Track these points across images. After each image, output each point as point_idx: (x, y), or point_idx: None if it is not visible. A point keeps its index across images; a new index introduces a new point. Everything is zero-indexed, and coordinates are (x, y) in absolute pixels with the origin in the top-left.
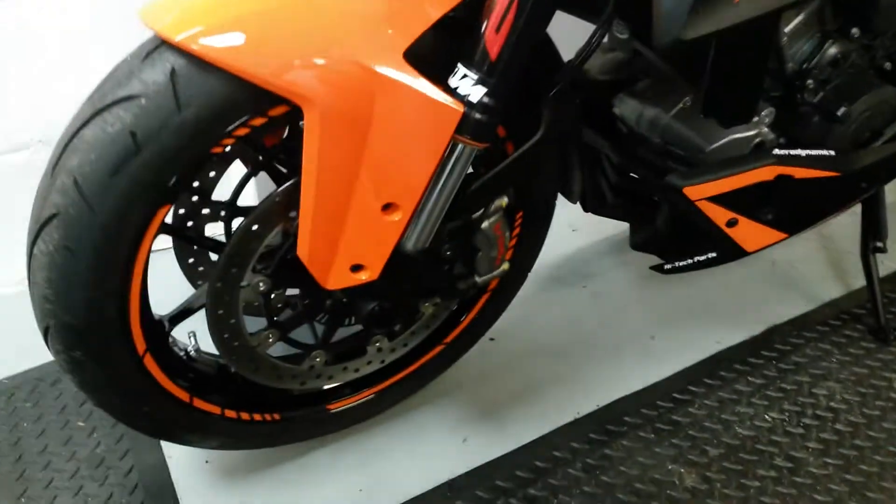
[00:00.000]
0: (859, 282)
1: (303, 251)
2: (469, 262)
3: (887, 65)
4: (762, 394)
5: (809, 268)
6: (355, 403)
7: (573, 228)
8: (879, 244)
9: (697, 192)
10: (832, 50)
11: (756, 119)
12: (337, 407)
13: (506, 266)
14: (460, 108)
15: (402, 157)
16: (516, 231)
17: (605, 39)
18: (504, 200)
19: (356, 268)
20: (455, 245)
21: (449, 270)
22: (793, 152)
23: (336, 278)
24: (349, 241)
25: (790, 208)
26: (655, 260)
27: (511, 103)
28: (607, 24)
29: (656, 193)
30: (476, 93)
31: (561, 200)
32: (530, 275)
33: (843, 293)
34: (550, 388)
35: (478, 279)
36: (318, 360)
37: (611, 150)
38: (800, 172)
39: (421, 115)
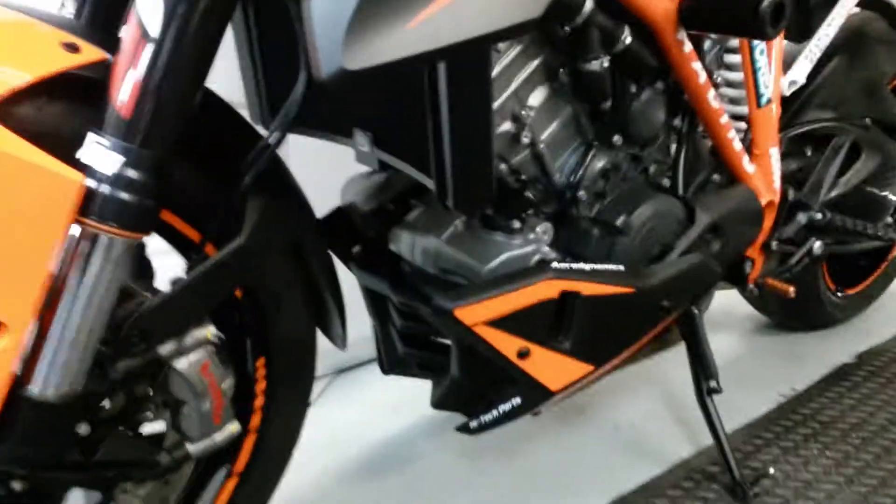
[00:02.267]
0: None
1: None
2: (175, 421)
3: (664, 180)
4: None
5: (655, 426)
6: None
7: (395, 410)
8: (713, 384)
9: (472, 314)
10: (598, 161)
11: (532, 236)
12: None
13: (233, 427)
14: (79, 179)
15: None
16: (261, 385)
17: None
18: (208, 331)
19: None
20: (137, 394)
21: (134, 434)
22: (575, 266)
23: None
24: None
25: (587, 333)
26: None
27: (194, 187)
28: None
29: (434, 326)
30: (109, 162)
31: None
32: (329, 462)
33: (693, 451)
34: None
35: (190, 447)
36: None
37: (391, 290)
38: (587, 288)
39: (18, 190)
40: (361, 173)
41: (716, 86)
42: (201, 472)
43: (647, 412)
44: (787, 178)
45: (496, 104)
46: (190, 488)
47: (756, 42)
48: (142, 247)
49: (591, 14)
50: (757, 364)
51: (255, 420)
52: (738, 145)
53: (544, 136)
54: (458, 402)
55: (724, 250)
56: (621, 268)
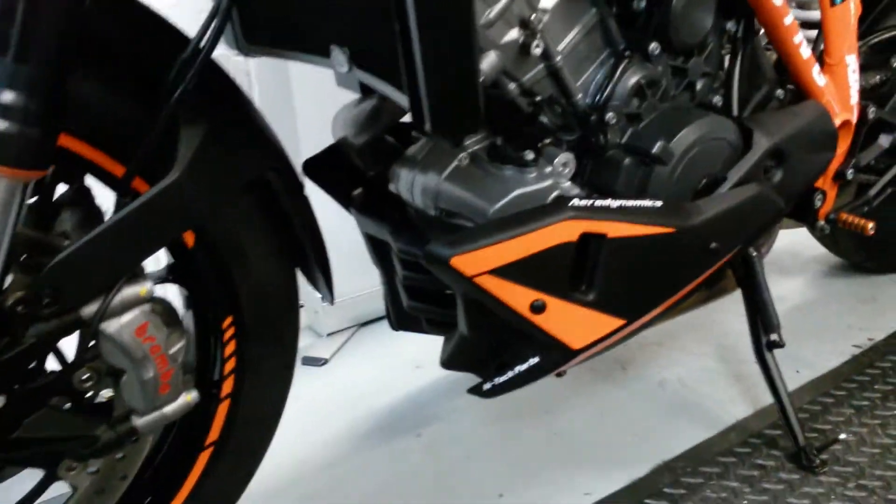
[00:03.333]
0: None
1: None
2: (117, 392)
3: (715, 98)
4: None
5: (706, 384)
6: None
7: (417, 365)
8: (774, 337)
9: (472, 263)
10: (631, 76)
11: (549, 169)
12: None
13: (188, 397)
14: None
15: None
16: (230, 347)
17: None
18: (144, 287)
19: None
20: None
21: (72, 405)
22: (599, 202)
23: None
24: None
25: (615, 282)
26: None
27: (108, 109)
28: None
29: (433, 275)
30: None
31: None
32: (342, 424)
33: (750, 412)
34: None
35: (136, 421)
36: None
37: (391, 237)
38: (615, 229)
39: None
40: (351, 101)
41: None
42: (173, 441)
43: (697, 368)
44: (866, 94)
45: (498, 6)
46: (159, 460)
47: None
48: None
49: None
50: (828, 311)
51: (227, 386)
52: (806, 52)
53: (562, 45)
54: (469, 362)
55: (789, 180)
56: (658, 204)
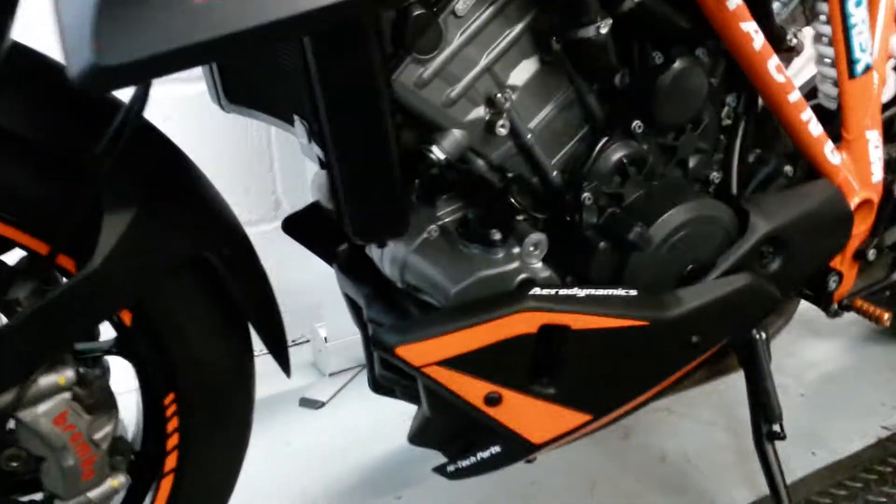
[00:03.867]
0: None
1: None
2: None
3: (714, 175)
4: None
5: (710, 462)
6: None
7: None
8: (775, 427)
9: (420, 353)
10: (612, 153)
11: (517, 250)
12: None
13: (116, 482)
14: None
15: None
16: (172, 424)
17: None
18: (61, 377)
19: None
20: None
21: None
22: (564, 291)
23: None
24: None
25: (580, 376)
26: None
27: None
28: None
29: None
30: None
31: None
32: (324, 476)
33: (751, 498)
34: None
35: None
36: None
37: (364, 303)
38: (579, 321)
39: None
40: None
41: (789, 49)
42: None
43: (706, 441)
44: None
45: (460, 84)
46: None
47: None
48: None
49: None
50: (859, 384)
51: (171, 461)
52: (816, 129)
53: (534, 122)
54: (434, 441)
55: (789, 268)
56: (633, 293)
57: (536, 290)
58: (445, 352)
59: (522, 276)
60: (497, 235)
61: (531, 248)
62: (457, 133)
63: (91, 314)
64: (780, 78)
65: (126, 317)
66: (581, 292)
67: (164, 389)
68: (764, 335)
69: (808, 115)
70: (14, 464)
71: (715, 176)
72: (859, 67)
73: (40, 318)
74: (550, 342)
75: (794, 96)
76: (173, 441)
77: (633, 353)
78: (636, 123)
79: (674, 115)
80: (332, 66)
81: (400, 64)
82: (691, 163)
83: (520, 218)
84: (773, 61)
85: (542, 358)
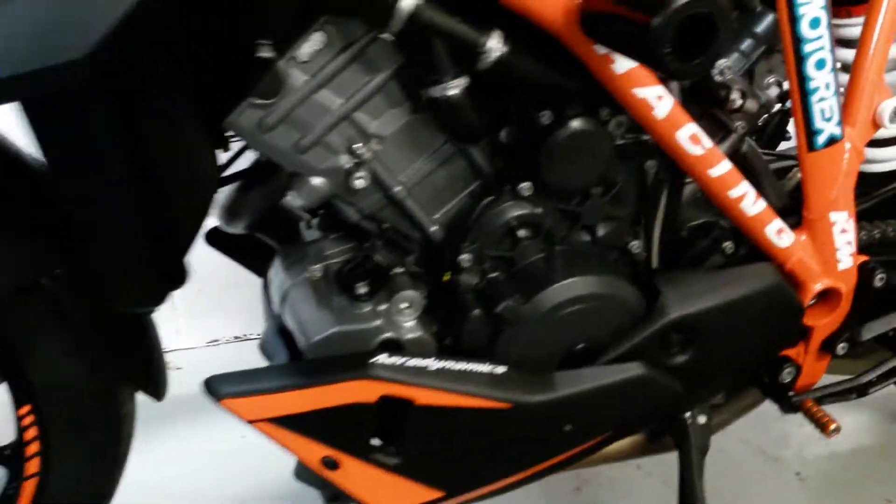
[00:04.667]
0: None
1: None
2: None
3: (633, 244)
4: None
5: None
6: None
7: None
8: None
9: (249, 408)
10: (500, 214)
11: (384, 307)
12: None
13: None
14: None
15: None
16: (31, 432)
17: None
18: None
19: None
20: None
21: None
22: (414, 362)
23: None
24: None
25: (428, 452)
26: None
27: None
28: None
29: None
30: None
31: None
32: None
33: None
34: None
35: None
36: None
37: (269, 332)
38: (426, 396)
39: None
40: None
41: (735, 110)
42: None
43: None
44: (876, 247)
45: (314, 131)
46: None
47: (809, 40)
48: None
49: (419, 14)
50: (864, 470)
51: (33, 466)
52: (753, 208)
53: (405, 175)
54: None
55: (701, 363)
56: (500, 370)
57: (381, 359)
58: (275, 410)
59: (385, 335)
60: (363, 289)
61: (402, 306)
62: (315, 181)
63: None
64: (695, 150)
65: None
66: (435, 364)
67: (19, 401)
68: (702, 419)
69: (740, 190)
70: None
71: (635, 246)
72: (821, 139)
73: None
74: (395, 412)
75: (719, 170)
76: (33, 448)
77: (492, 436)
78: (524, 185)
79: (564, 179)
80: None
81: (237, 107)
82: (600, 231)
83: (400, 271)
84: (686, 131)
85: (388, 426)
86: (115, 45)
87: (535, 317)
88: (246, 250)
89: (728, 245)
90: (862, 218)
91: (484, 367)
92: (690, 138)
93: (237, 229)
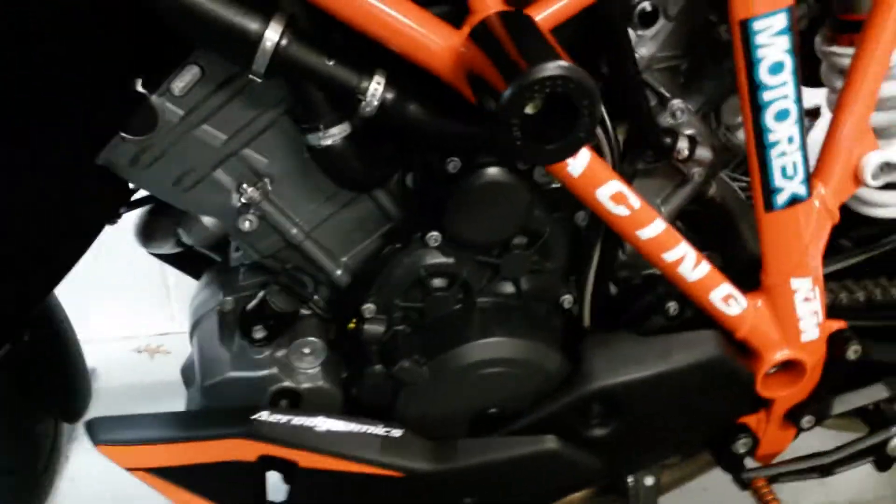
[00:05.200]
0: None
1: None
2: None
3: (565, 298)
4: None
5: None
6: None
7: None
8: None
9: (125, 456)
10: (410, 263)
11: (281, 353)
12: None
13: None
14: None
15: None
16: None
17: None
18: None
19: None
20: None
21: None
22: (299, 421)
23: None
24: None
25: None
26: None
27: None
28: None
29: None
30: None
31: None
32: None
33: None
34: None
35: None
36: None
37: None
38: (310, 460)
39: None
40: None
41: (685, 160)
42: None
43: None
44: (849, 311)
45: (197, 169)
46: None
47: (769, 87)
48: None
49: (285, 54)
50: None
51: None
52: (693, 273)
53: (303, 216)
54: None
55: (627, 436)
56: (396, 434)
57: (262, 416)
58: (152, 461)
59: (281, 384)
60: (260, 334)
61: (304, 351)
62: (205, 219)
63: None
64: (619, 210)
65: None
66: (324, 424)
67: None
68: (650, 481)
69: (677, 253)
70: None
71: (567, 300)
72: (780, 198)
73: None
74: (283, 471)
75: (650, 231)
76: None
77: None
78: (432, 235)
79: (474, 233)
80: None
81: (108, 141)
82: (524, 284)
83: (307, 313)
84: (608, 189)
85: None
86: None
87: (434, 379)
88: (184, 256)
89: (672, 305)
90: (848, 276)
91: (379, 430)
92: (612, 197)
93: (162, 250)
